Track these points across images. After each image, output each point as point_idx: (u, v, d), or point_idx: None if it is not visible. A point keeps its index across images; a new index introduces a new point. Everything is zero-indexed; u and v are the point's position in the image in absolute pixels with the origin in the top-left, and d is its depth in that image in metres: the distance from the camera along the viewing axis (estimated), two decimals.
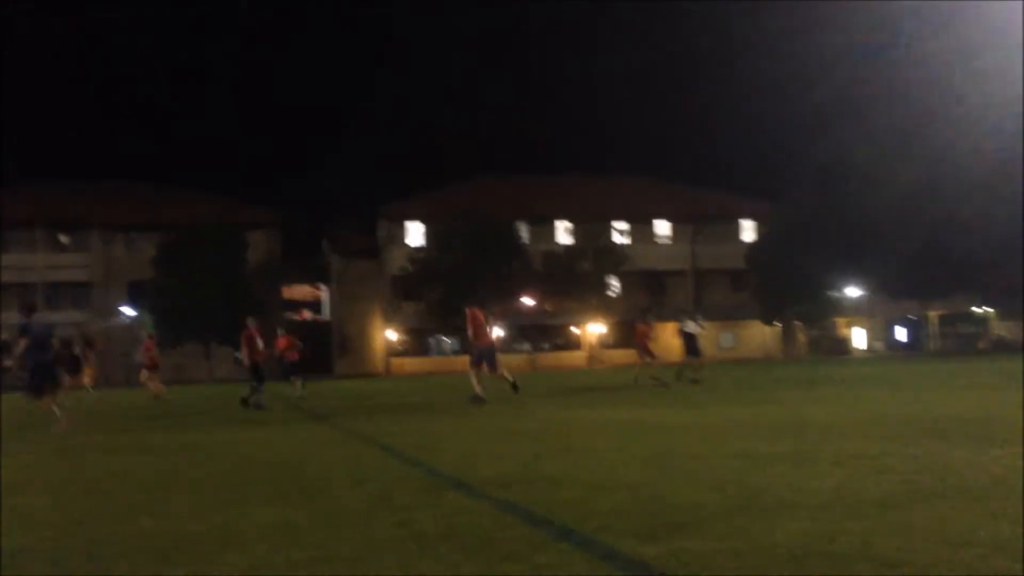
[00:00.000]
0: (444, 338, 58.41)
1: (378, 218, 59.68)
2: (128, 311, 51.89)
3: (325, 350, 59.77)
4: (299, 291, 67.70)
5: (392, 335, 57.87)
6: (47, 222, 55.37)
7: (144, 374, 24.41)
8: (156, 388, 23.37)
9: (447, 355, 57.96)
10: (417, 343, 58.58)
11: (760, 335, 60.44)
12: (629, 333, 32.56)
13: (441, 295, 52.16)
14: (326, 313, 64.81)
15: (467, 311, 15.94)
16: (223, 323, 49.15)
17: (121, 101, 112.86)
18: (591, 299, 56.14)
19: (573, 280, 54.92)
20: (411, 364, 56.21)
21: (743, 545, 3.64)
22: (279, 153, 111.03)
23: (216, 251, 49.79)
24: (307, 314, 68.71)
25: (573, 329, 59.10)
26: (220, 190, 75.78)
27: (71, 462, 8.46)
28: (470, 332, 15.74)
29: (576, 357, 57.89)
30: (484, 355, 15.50)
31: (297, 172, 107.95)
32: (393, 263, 56.69)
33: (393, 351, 57.83)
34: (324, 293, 65.98)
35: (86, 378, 23.63)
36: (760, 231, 59.58)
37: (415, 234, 58.21)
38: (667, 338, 36.30)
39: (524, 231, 56.52)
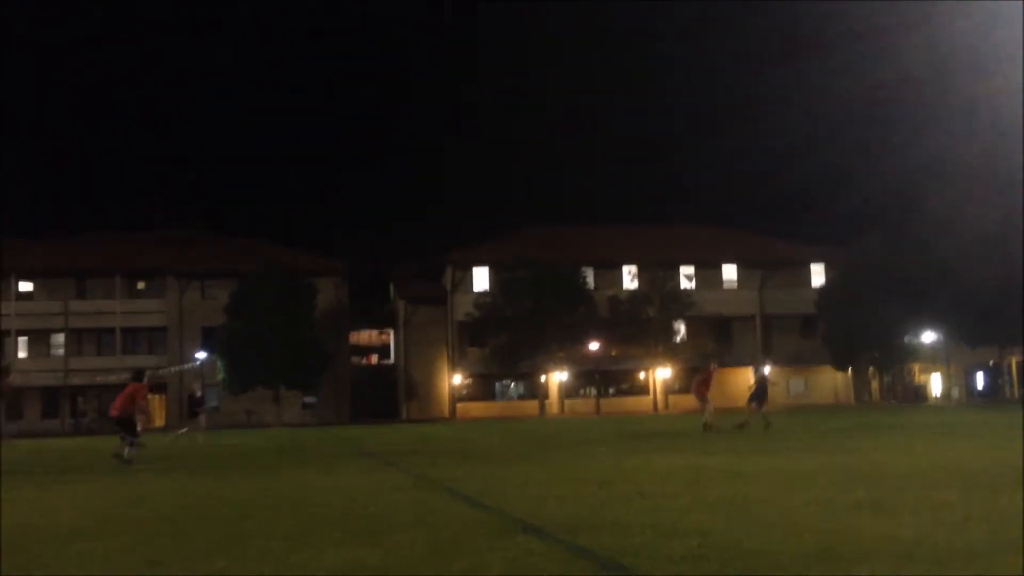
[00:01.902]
0: (509, 383, 58.45)
1: (445, 264, 60.24)
2: (201, 356, 52.94)
3: (392, 395, 60.17)
4: (366, 336, 68.40)
5: (458, 380, 58.06)
6: (125, 270, 57.01)
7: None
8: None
9: (512, 400, 57.90)
10: (483, 388, 58.65)
11: (831, 381, 59.15)
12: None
13: (507, 341, 52.27)
14: (393, 358, 65.32)
15: None
16: (292, 369, 49.90)
17: (193, 154, 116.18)
18: (657, 344, 55.66)
19: (639, 325, 54.57)
20: (476, 408, 56.24)
21: None
22: (346, 202, 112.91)
23: (285, 298, 50.68)
24: (374, 359, 69.39)
25: (640, 374, 58.63)
26: (290, 240, 77.26)
27: (147, 504, 8.61)
28: None
29: (642, 402, 57.32)
30: None
31: (365, 220, 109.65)
32: (459, 309, 57.03)
33: (459, 396, 57.95)
34: (391, 338, 66.56)
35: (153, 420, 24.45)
36: (829, 275, 58.59)
37: (481, 280, 58.55)
38: (735, 383, 35.74)
39: (590, 276, 56.46)
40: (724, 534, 5.06)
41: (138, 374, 15.78)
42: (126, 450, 14.30)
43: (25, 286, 56.25)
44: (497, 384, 58.67)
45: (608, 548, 4.70)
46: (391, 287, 65.73)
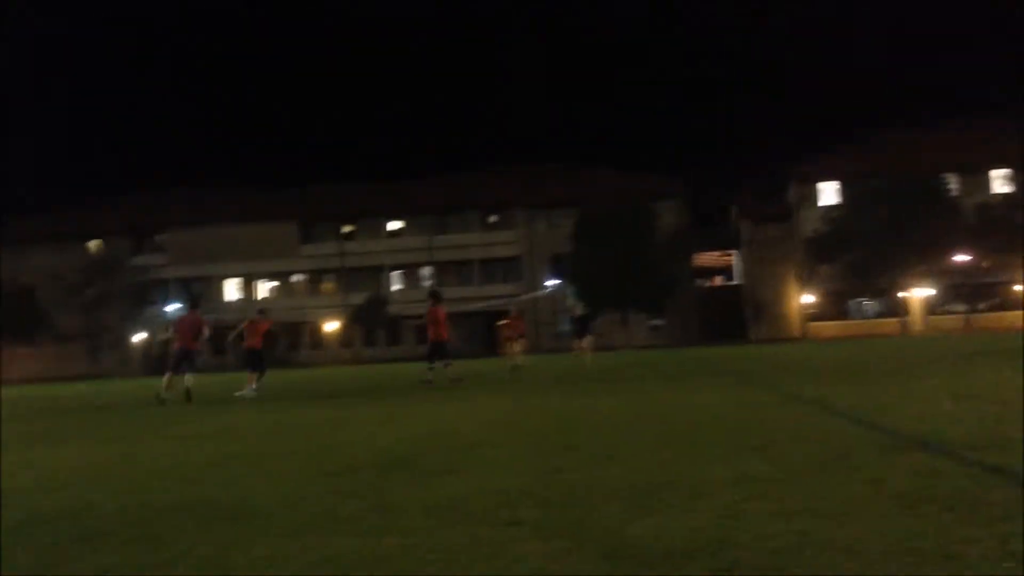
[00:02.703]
0: (865, 301, 55.53)
1: (788, 180, 57.96)
2: (552, 282, 55.47)
3: (738, 315, 59.49)
4: (709, 258, 67.98)
5: (808, 299, 56.08)
6: (480, 205, 60.88)
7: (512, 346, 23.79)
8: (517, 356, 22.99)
9: (868, 318, 55.01)
10: (835, 306, 56.21)
11: None
12: None
13: (860, 256, 49.62)
14: (737, 279, 64.43)
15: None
16: (638, 292, 50.87)
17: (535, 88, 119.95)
18: None
19: (1013, 232, 49.32)
20: (829, 328, 54.10)
21: None
22: (685, 123, 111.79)
23: (628, 223, 51.54)
24: (718, 281, 68.87)
25: (1015, 287, 53.12)
26: (629, 165, 78.17)
27: (532, 419, 9.25)
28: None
29: (1018, 317, 52.01)
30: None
31: (703, 141, 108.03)
32: (806, 225, 54.82)
33: (810, 315, 56.03)
34: (734, 259, 65.60)
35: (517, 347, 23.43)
36: None
37: (828, 194, 55.74)
38: None
39: (953, 183, 51.76)
40: None
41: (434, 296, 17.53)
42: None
43: (393, 225, 61.93)
44: (851, 302, 55.97)
45: (1020, 466, 4.37)
46: (732, 207, 64.54)
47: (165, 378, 15.50)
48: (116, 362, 56.76)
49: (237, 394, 15.85)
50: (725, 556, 3.12)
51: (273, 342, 14.02)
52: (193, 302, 18.32)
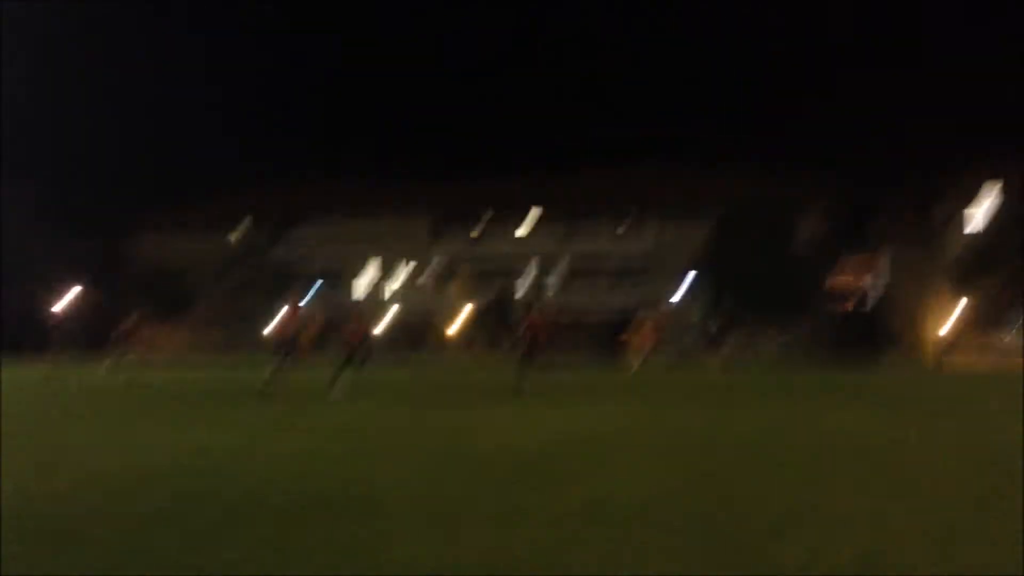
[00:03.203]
0: (1013, 328, 52.95)
1: (932, 201, 55.75)
2: (682, 294, 54.86)
3: (870, 339, 57.48)
4: (845, 279, 65.98)
5: (948, 327, 53.82)
6: (611, 210, 60.68)
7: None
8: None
9: (1013, 350, 52.41)
10: (979, 334, 53.73)
11: None
12: None
13: (1005, 281, 47.51)
14: (871, 302, 62.36)
15: None
16: (771, 305, 49.83)
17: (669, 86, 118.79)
18: None
19: None
20: (972, 358, 51.75)
21: None
22: (836, 121, 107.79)
23: (767, 225, 50.60)
24: (851, 303, 66.76)
25: None
26: (766, 163, 75.63)
27: (665, 432, 9.26)
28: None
29: None
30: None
31: (851, 140, 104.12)
32: (950, 249, 52.70)
33: (950, 344, 53.72)
34: (871, 280, 63.54)
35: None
36: None
37: (977, 213, 53.47)
38: None
39: None
40: None
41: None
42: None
43: (522, 230, 62.41)
44: (996, 330, 53.43)
45: None
46: (878, 207, 62.36)
47: (268, 371, 15.35)
48: (252, 347, 59.22)
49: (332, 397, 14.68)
50: None
51: (367, 341, 14.36)
52: (296, 298, 18.47)
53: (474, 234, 63.02)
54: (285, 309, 17.79)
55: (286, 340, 16.06)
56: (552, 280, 61.25)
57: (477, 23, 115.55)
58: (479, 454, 6.96)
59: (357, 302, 49.81)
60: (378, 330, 50.69)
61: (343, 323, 17.55)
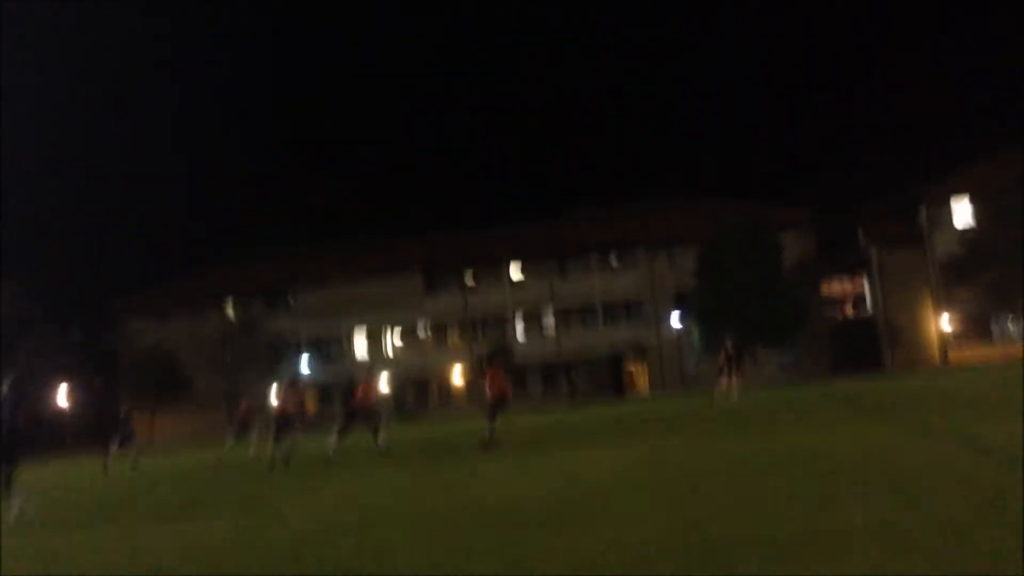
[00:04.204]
0: (1009, 322, 52.74)
1: (918, 201, 55.90)
2: (676, 323, 54.70)
3: (871, 344, 57.43)
4: (838, 287, 66.07)
5: (947, 324, 53.68)
6: (599, 247, 60.79)
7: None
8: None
9: (1014, 340, 52.22)
10: (977, 330, 53.57)
11: None
12: None
13: (1000, 276, 47.31)
14: (869, 306, 62.35)
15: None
16: (766, 326, 49.67)
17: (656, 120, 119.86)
18: None
19: None
20: (971, 354, 51.55)
21: None
22: (807, 150, 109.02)
23: (752, 255, 50.51)
24: (848, 310, 66.84)
25: None
26: (750, 196, 76.84)
27: (664, 467, 9.14)
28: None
29: None
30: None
31: (826, 165, 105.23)
32: (939, 247, 52.69)
33: (950, 340, 53.56)
34: (864, 286, 63.57)
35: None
36: None
37: (963, 213, 53.50)
38: None
39: None
40: None
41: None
42: None
43: (515, 274, 62.37)
44: (994, 326, 53.25)
45: None
46: (859, 232, 62.64)
47: (260, 443, 15.67)
48: (257, 424, 58.77)
49: (329, 453, 15.76)
50: None
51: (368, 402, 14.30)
52: (295, 371, 18.83)
53: (469, 283, 62.85)
54: (282, 384, 17.96)
55: (286, 414, 16.27)
56: (547, 322, 61.13)
57: (456, 80, 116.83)
58: (486, 508, 6.87)
59: (362, 364, 49.56)
60: (384, 389, 50.47)
61: (348, 388, 17.64)
